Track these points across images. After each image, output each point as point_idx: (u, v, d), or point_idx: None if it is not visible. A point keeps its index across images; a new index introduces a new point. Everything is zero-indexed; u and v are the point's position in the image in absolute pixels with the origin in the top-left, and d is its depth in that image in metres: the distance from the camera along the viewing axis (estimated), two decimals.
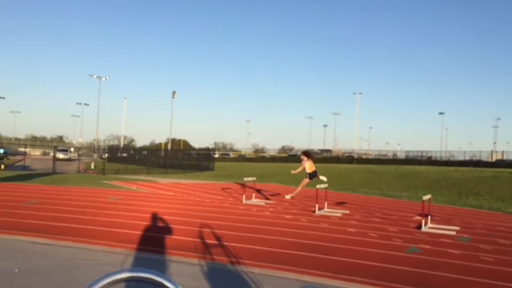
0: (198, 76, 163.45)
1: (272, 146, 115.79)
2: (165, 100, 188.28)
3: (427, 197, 9.91)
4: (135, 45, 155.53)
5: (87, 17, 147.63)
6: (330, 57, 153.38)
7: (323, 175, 13.25)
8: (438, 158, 62.52)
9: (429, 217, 9.87)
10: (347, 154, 75.46)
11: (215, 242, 7.37)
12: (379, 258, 6.58)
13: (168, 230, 8.16)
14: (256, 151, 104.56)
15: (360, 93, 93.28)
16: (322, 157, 70.16)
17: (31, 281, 4.73)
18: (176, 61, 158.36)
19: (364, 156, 73.00)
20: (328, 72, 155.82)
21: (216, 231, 8.28)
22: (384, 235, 8.51)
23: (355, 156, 71.98)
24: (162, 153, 52.46)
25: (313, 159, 13.45)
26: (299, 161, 13.82)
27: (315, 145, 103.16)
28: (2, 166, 26.85)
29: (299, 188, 12.80)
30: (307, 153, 13.39)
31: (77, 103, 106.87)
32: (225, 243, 7.22)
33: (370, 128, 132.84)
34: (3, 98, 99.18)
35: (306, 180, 12.90)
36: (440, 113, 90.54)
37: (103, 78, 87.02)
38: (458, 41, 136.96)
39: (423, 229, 9.22)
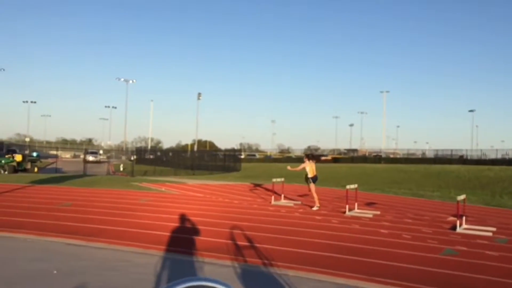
0: (223, 77, 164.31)
1: (297, 146, 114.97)
2: (191, 102, 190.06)
3: (461, 197, 9.65)
4: (161, 48, 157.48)
5: (113, 22, 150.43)
6: (356, 56, 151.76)
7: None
8: (469, 157, 61.02)
9: (464, 218, 9.61)
10: (375, 154, 74.41)
11: (247, 243, 7.36)
12: (414, 260, 6.44)
13: (199, 232, 8.20)
14: (282, 151, 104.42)
15: (387, 91, 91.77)
16: (349, 157, 69.53)
17: (70, 283, 4.81)
18: (201, 63, 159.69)
19: (392, 156, 71.78)
20: (354, 70, 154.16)
21: (247, 232, 8.27)
22: (418, 236, 8.33)
23: (383, 155, 70.95)
24: (189, 154, 52.94)
25: (317, 162, 13.06)
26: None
27: (341, 145, 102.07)
28: (36, 169, 27.61)
29: (315, 195, 12.58)
30: (310, 156, 13.11)
31: (105, 106, 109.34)
32: (257, 245, 7.21)
33: (398, 126, 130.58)
34: (35, 102, 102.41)
35: (313, 185, 12.64)
36: (470, 111, 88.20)
37: (130, 81, 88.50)
38: (488, 36, 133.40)
39: (458, 230, 8.99)
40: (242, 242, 7.44)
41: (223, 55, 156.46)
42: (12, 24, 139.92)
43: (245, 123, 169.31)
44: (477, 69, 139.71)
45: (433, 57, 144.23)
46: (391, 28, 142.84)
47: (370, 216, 10.95)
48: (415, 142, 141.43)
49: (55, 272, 5.26)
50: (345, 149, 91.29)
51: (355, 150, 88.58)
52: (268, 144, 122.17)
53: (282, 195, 13.91)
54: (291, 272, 5.58)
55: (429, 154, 70.40)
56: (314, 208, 12.03)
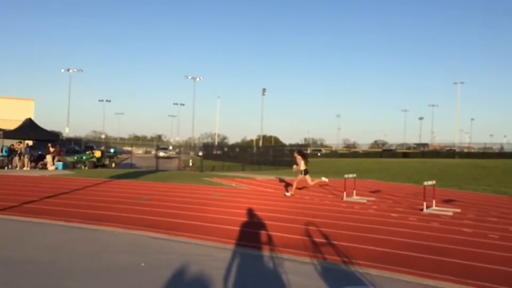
0: (288, 72, 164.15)
1: (363, 141, 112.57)
2: (256, 98, 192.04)
3: None
4: (227, 45, 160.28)
5: (181, 23, 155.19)
6: (427, 47, 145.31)
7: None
8: None
9: None
10: (448, 148, 70.89)
11: (323, 240, 7.28)
12: (506, 261, 6.04)
13: (274, 227, 8.22)
14: (347, 146, 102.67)
15: (462, 82, 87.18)
16: (419, 152, 66.77)
17: (158, 275, 5.00)
18: (266, 58, 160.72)
19: (466, 150, 68.06)
20: (425, 62, 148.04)
21: (322, 229, 8.18)
22: (507, 236, 7.83)
23: (457, 150, 67.41)
24: (255, 149, 53.44)
25: (307, 158, 14.55)
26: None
27: (410, 139, 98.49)
28: (113, 165, 29.18)
29: (295, 184, 13.90)
30: (301, 153, 14.51)
31: (174, 104, 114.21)
32: (334, 242, 7.10)
33: (472, 119, 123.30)
34: (109, 101, 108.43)
35: (301, 176, 13.84)
36: None
37: (198, 79, 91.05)
38: None
39: None
40: (318, 239, 7.36)
41: (288, 50, 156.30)
42: (88, 27, 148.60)
43: (310, 118, 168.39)
44: None
45: (510, 46, 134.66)
46: (464, 18, 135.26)
47: (450, 214, 10.44)
48: (491, 135, 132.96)
49: (143, 264, 5.50)
50: (415, 144, 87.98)
51: (425, 145, 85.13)
52: (333, 139, 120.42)
53: (354, 191, 13.62)
54: (373, 271, 5.43)
55: (508, 148, 65.96)
56: (288, 194, 13.56)
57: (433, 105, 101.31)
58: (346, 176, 13.78)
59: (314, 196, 13.98)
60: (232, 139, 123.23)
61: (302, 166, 13.81)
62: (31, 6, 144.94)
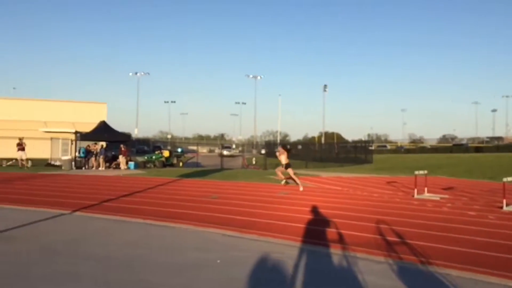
0: (349, 67, 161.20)
1: (430, 136, 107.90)
2: (317, 94, 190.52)
3: None
4: (287, 43, 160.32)
5: (242, 22, 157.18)
6: (498, 33, 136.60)
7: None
8: None
9: None
10: None
11: (397, 239, 7.09)
12: None
13: (344, 225, 8.13)
14: (413, 141, 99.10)
15: None
16: (493, 146, 63.00)
17: (235, 272, 5.13)
18: (327, 54, 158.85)
19: None
20: (496, 50, 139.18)
21: (394, 227, 7.97)
22: None
23: None
24: (317, 146, 52.97)
25: (289, 152, 15.35)
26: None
27: (482, 133, 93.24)
28: (181, 164, 30.17)
29: (296, 178, 14.63)
30: (285, 147, 15.35)
31: (236, 103, 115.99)
32: (408, 241, 6.90)
33: None
34: (174, 102, 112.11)
35: (291, 169, 14.79)
36: None
37: (258, 77, 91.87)
38: None
39: None
40: (392, 238, 7.18)
41: (349, 46, 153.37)
42: (152, 30, 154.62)
43: (373, 113, 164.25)
44: None
45: None
46: None
47: None
48: None
49: (218, 261, 5.65)
50: (487, 137, 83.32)
51: (499, 138, 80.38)
52: (398, 134, 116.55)
53: (426, 188, 13.13)
54: (454, 272, 5.21)
55: None
56: (301, 189, 14.00)
57: (507, 96, 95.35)
58: (416, 172, 13.30)
59: (384, 193, 13.64)
60: (294, 137, 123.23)
61: (283, 160, 14.75)
62: (98, 13, 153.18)
